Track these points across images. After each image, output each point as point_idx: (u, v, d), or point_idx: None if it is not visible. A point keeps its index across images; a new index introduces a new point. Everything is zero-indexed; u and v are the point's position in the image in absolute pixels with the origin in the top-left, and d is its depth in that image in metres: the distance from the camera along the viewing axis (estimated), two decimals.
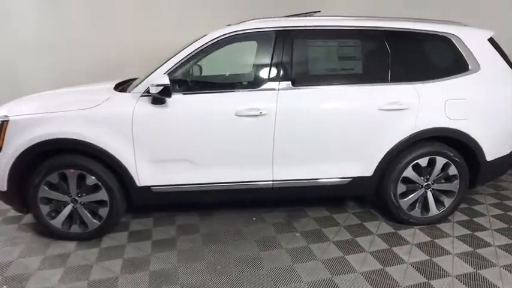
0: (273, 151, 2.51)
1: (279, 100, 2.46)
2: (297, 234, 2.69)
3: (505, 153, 2.78)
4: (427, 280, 2.17)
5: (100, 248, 2.53)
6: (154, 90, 2.29)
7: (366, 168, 2.63)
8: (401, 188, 2.69)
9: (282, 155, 2.53)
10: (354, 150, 2.58)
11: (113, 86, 2.72)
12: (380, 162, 2.60)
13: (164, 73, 2.39)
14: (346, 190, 2.69)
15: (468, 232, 2.71)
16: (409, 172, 2.65)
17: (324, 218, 2.95)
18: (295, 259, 2.39)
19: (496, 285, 2.12)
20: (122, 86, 2.72)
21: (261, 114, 2.42)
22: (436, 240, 2.60)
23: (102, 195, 2.50)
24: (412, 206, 2.78)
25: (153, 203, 2.75)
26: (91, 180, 2.46)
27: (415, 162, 2.63)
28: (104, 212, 2.54)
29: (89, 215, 2.54)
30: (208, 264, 2.33)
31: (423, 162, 2.64)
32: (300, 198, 3.09)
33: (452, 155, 2.64)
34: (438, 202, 2.79)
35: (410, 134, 2.54)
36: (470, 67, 2.62)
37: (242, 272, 2.25)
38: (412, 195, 2.72)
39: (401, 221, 2.80)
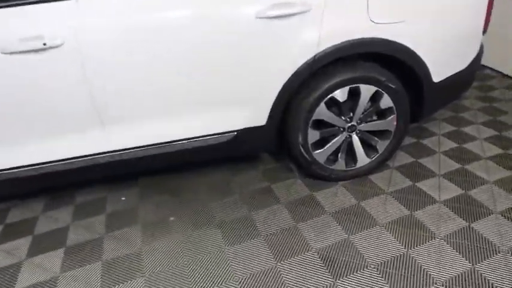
0: (94, 108, 1.57)
1: (82, 16, 1.41)
2: (172, 219, 1.93)
3: (460, 69, 1.94)
4: (333, 280, 1.49)
5: None
6: None
7: (255, 115, 1.75)
8: (313, 135, 1.85)
9: (111, 113, 1.59)
10: (228, 90, 1.66)
11: None
12: (274, 104, 1.72)
13: None
14: (232, 149, 1.84)
15: (408, 184, 1.99)
16: (321, 112, 1.78)
17: (221, 182, 2.15)
18: (150, 263, 1.66)
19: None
20: None
21: (48, 48, 1.40)
22: (362, 203, 1.88)
23: None
24: (334, 156, 2.01)
25: None
26: None
27: (329, 96, 1.76)
28: None
29: None
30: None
31: (341, 95, 1.75)
32: (165, 167, 2.19)
33: (383, 79, 1.77)
34: (370, 147, 2.01)
35: (314, 55, 1.63)
36: None
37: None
38: (331, 143, 1.89)
39: (321, 177, 2.05)
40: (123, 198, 2.11)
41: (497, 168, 2.03)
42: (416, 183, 1.97)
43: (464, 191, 1.88)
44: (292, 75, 1.65)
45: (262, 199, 1.97)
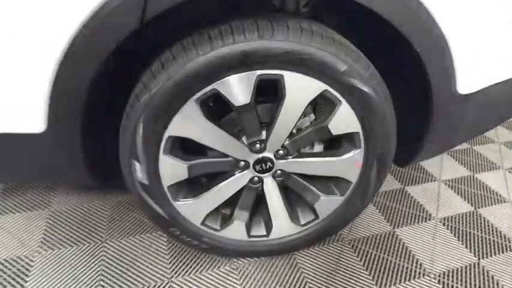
0: None
1: None
2: None
3: None
4: None
5: None
6: None
7: (7, 112, 0.73)
8: (173, 169, 0.82)
9: None
10: None
11: None
12: (56, 95, 0.67)
13: None
14: None
15: None
16: (187, 122, 0.75)
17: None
18: None
19: None
20: None
21: None
22: None
23: None
24: (230, 213, 1.02)
25: None
26: None
27: (208, 89, 0.74)
28: None
29: None
30: None
31: (238, 89, 0.73)
32: None
33: (342, 69, 0.76)
34: (301, 204, 1.01)
35: None
36: None
37: None
38: (214, 189, 0.89)
39: (196, 248, 1.05)
40: None
41: None
42: None
43: None
44: (86, 29, 0.61)
45: None
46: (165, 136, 0.77)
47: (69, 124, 0.72)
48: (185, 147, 0.86)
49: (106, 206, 1.19)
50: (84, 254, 1.02)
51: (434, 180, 1.42)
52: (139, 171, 0.81)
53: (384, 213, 1.24)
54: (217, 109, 0.87)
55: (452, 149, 1.62)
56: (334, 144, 0.92)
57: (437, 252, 1.09)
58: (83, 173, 0.85)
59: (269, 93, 0.82)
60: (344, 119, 0.81)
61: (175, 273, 0.99)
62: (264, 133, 0.84)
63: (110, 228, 1.11)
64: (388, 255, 1.08)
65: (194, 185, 0.92)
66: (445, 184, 1.40)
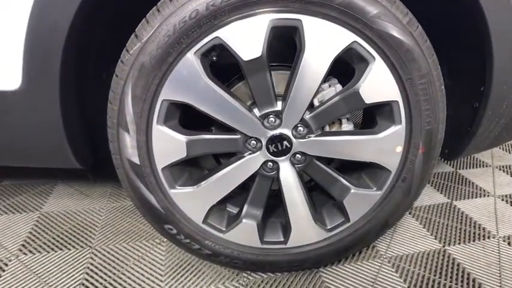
0: None
1: None
2: None
3: None
4: None
5: None
6: None
7: None
8: (169, 145, 0.67)
9: None
10: None
11: None
12: (32, 42, 0.58)
13: None
14: None
15: None
16: (186, 83, 0.62)
17: None
18: None
19: None
20: None
21: None
22: None
23: None
24: (233, 208, 0.85)
25: None
26: None
27: (210, 39, 0.60)
28: None
29: None
30: None
31: (246, 39, 0.59)
32: None
33: (373, 12, 0.61)
34: (328, 203, 0.84)
35: None
36: None
37: None
38: (218, 175, 0.71)
39: (193, 253, 0.84)
40: None
41: None
42: None
43: None
44: None
45: None
46: (159, 100, 0.64)
47: (61, 83, 0.61)
48: (187, 125, 0.72)
49: (101, 211, 1.05)
50: (67, 259, 0.86)
51: (488, 196, 1.18)
52: (128, 145, 0.68)
53: (429, 229, 1.01)
54: (226, 78, 0.74)
55: (505, 164, 1.39)
56: (368, 119, 0.76)
57: (505, 276, 0.85)
58: (66, 155, 0.73)
59: (286, 58, 0.70)
60: (379, 82, 0.65)
61: (171, 286, 0.80)
62: (279, 104, 0.70)
63: (101, 234, 0.95)
64: (440, 277, 0.84)
65: (196, 172, 0.78)
66: (502, 200, 1.17)
